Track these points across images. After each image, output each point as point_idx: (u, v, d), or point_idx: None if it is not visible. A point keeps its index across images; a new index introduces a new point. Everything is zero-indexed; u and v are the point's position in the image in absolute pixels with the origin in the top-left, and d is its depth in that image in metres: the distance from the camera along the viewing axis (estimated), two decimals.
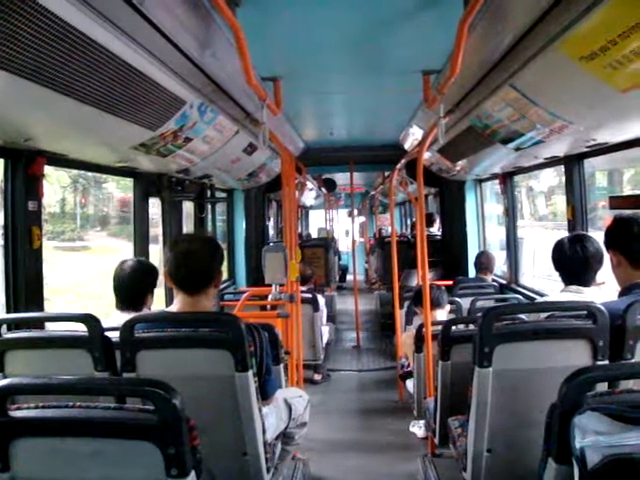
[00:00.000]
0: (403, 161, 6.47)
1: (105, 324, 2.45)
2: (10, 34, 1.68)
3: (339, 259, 13.27)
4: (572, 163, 4.19)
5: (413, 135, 5.90)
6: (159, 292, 3.28)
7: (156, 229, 4.95)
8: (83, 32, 1.90)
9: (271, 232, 10.71)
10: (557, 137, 3.28)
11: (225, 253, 5.93)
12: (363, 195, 17.10)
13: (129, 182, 4.53)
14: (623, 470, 1.38)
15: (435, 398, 3.24)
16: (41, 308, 3.16)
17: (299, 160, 6.77)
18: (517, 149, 3.95)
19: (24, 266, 3.04)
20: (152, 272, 3.10)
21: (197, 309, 2.46)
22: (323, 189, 11.98)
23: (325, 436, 4.73)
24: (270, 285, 4.20)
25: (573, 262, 2.83)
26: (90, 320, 2.38)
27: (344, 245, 16.76)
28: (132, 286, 2.98)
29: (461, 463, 2.72)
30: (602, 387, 1.86)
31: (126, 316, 2.69)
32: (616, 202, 3.18)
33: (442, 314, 4.38)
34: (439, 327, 3.25)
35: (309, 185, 10.15)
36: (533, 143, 3.62)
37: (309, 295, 6.09)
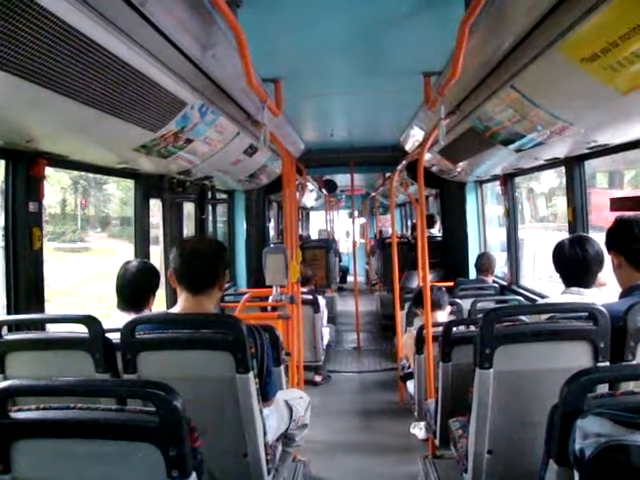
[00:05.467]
0: (404, 162, 6.47)
1: (106, 325, 2.45)
2: (11, 36, 1.68)
3: (340, 260, 13.27)
4: (573, 164, 4.19)
5: (414, 136, 5.89)
6: (160, 293, 3.28)
7: (157, 230, 4.95)
8: (84, 34, 1.90)
9: (272, 233, 10.72)
10: (558, 139, 3.28)
11: None
12: (364, 196, 17.09)
13: (130, 183, 4.53)
14: (616, 456, 1.39)
15: (436, 399, 3.24)
16: (42, 309, 3.16)
17: (300, 161, 6.77)
18: (518, 151, 3.95)
19: (25, 267, 3.04)
20: (155, 273, 3.12)
21: (199, 310, 2.46)
22: (324, 190, 11.98)
23: (326, 437, 4.73)
24: (271, 286, 4.20)
25: (573, 264, 2.83)
26: (91, 321, 2.38)
27: (345, 246, 16.77)
28: (136, 287, 3.00)
29: (462, 464, 2.71)
30: (603, 388, 1.86)
31: (127, 316, 2.70)
32: (617, 204, 3.18)
33: (443, 315, 4.38)
34: (440, 328, 3.25)
35: (310, 186, 10.15)
36: (534, 145, 3.62)
37: (310, 296, 6.09)
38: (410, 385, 4.52)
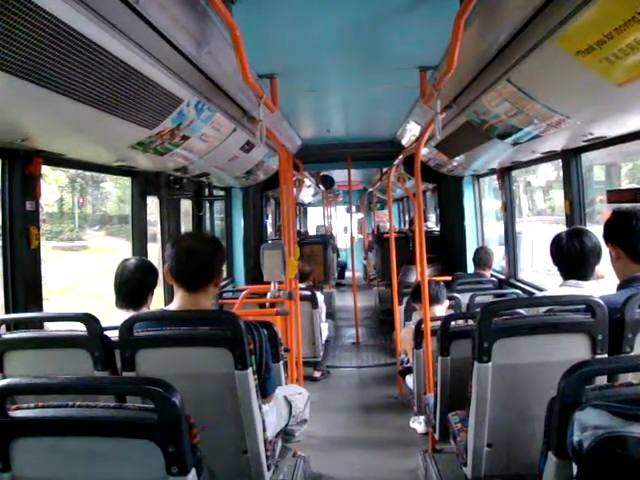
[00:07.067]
0: (401, 157, 6.46)
1: (104, 323, 2.45)
2: (6, 34, 1.67)
3: (338, 256, 13.27)
4: (569, 157, 4.19)
5: (410, 131, 5.89)
6: (158, 291, 3.29)
7: (154, 228, 4.95)
8: (79, 31, 1.90)
9: (269, 230, 10.71)
10: (554, 131, 3.28)
11: None
12: (361, 192, 17.08)
13: (127, 181, 4.53)
14: (614, 448, 1.39)
15: (435, 394, 3.25)
16: (40, 308, 3.16)
17: (297, 157, 6.76)
18: (514, 144, 3.95)
19: (22, 266, 3.04)
20: (154, 271, 3.12)
21: (196, 307, 2.46)
22: (321, 186, 11.97)
23: (325, 433, 4.74)
24: (269, 283, 4.20)
25: (571, 256, 2.83)
26: (89, 320, 2.38)
27: (343, 242, 16.75)
28: (135, 285, 3.00)
29: (461, 458, 2.72)
30: (601, 380, 1.87)
31: (126, 314, 2.70)
32: (614, 196, 3.19)
33: (441, 310, 4.38)
34: (438, 323, 3.25)
35: (307, 182, 10.14)
36: (530, 138, 3.62)
37: (308, 292, 6.10)
38: (409, 380, 4.53)
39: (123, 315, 2.69)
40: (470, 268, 6.53)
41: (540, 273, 6.56)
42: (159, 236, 5.00)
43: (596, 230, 2.87)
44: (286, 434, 3.08)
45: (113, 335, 2.40)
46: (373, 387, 6.18)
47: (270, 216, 11.14)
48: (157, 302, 3.66)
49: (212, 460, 2.03)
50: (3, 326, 2.61)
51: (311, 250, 9.39)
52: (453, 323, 3.11)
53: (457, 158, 5.75)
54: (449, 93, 3.63)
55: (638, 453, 1.37)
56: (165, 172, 4.66)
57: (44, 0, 1.67)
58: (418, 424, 4.67)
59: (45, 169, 3.15)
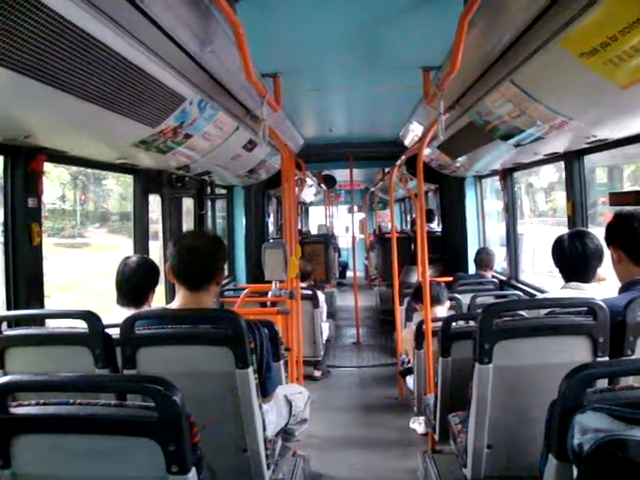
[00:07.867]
0: (403, 157, 6.46)
1: (105, 320, 2.45)
2: (10, 31, 1.67)
3: (339, 255, 13.27)
4: (572, 159, 4.18)
5: (413, 131, 5.88)
6: (159, 289, 3.28)
7: (156, 226, 4.95)
8: (83, 29, 1.90)
9: (271, 228, 10.71)
10: (557, 133, 3.27)
11: None
12: (363, 191, 17.09)
13: (129, 179, 4.53)
14: (615, 451, 1.39)
15: (435, 394, 3.25)
16: (41, 305, 3.16)
17: (299, 156, 6.76)
18: (517, 145, 3.95)
19: (24, 263, 3.04)
20: (155, 269, 3.12)
21: (198, 306, 2.46)
22: (323, 185, 11.97)
23: (325, 432, 4.74)
24: (270, 282, 4.20)
25: (573, 258, 2.83)
26: (90, 317, 2.39)
27: (344, 241, 16.76)
28: (136, 282, 3.00)
29: (461, 459, 2.72)
30: (602, 383, 1.87)
31: (127, 312, 2.69)
32: (616, 198, 3.18)
33: (442, 310, 4.38)
34: (439, 323, 3.25)
35: (309, 182, 10.14)
36: (533, 139, 3.61)
37: (309, 292, 6.09)
38: (409, 380, 4.53)
39: (124, 313, 2.69)
40: (471, 269, 6.53)
41: (541, 275, 6.55)
42: (161, 234, 5.00)
43: (598, 232, 2.86)
44: (286, 433, 3.08)
45: (114, 333, 2.40)
46: (373, 387, 6.17)
47: (272, 215, 11.14)
48: (158, 300, 3.66)
49: (212, 459, 2.04)
50: (4, 323, 2.61)
51: (312, 249, 9.39)
52: (454, 324, 3.11)
53: (459, 159, 5.75)
54: (452, 94, 3.62)
55: (639, 456, 1.37)
56: (167, 170, 4.66)
57: None
58: (418, 425, 4.67)
59: (47, 166, 3.15)
